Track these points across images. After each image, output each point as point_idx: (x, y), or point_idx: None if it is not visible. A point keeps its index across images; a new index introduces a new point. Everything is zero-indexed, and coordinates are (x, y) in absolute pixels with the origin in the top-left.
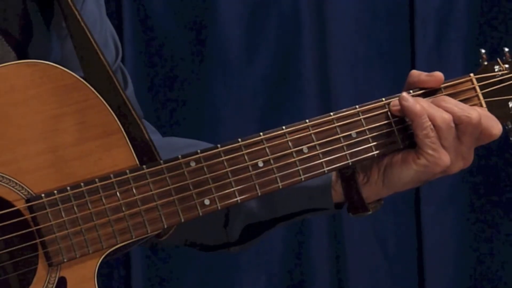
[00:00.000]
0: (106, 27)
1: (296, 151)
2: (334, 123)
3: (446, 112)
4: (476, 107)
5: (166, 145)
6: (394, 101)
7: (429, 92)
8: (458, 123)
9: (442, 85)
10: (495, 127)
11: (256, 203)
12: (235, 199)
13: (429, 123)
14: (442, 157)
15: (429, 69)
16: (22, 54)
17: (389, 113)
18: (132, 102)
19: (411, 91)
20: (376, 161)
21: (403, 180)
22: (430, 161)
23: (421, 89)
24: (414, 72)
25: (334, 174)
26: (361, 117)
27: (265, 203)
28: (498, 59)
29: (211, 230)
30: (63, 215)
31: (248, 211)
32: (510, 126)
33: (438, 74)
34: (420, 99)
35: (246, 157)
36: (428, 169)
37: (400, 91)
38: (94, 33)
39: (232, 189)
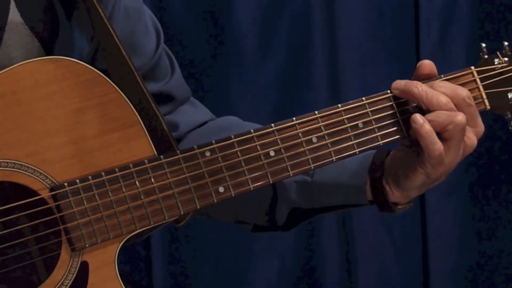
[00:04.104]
0: (145, 13)
1: (306, 141)
2: (341, 115)
3: (463, 115)
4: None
5: (229, 125)
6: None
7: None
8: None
9: (444, 78)
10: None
11: (295, 195)
12: (248, 187)
13: (437, 145)
14: (444, 168)
15: None
16: (49, 49)
17: (394, 104)
18: (179, 84)
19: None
20: (390, 174)
21: (414, 186)
22: (433, 172)
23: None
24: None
25: (368, 176)
26: (368, 108)
27: (305, 197)
28: (498, 53)
29: (262, 212)
30: (85, 203)
31: (290, 200)
32: (509, 116)
33: (423, 62)
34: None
35: (258, 147)
36: (433, 175)
37: None
38: (133, 24)
39: (245, 177)
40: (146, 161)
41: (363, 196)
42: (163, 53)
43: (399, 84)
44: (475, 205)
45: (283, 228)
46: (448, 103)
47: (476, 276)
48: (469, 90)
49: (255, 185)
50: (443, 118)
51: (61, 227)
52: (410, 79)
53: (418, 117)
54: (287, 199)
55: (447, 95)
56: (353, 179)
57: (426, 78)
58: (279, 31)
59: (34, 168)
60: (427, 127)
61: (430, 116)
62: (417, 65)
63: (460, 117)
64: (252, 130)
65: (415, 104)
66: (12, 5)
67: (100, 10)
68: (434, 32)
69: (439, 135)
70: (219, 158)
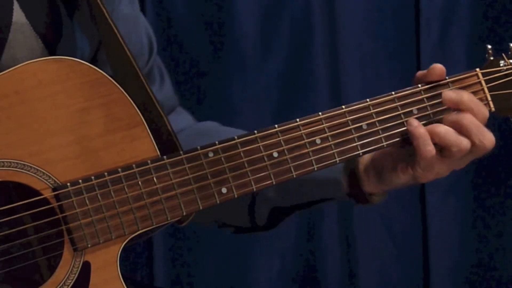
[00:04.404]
0: (140, 25)
1: (309, 142)
2: (345, 116)
3: (467, 140)
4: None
5: (207, 130)
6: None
7: (436, 86)
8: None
9: (449, 80)
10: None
11: (273, 193)
12: (251, 187)
13: (430, 147)
14: (432, 175)
15: None
16: (52, 50)
17: (398, 106)
18: (169, 94)
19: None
20: (372, 166)
21: (397, 183)
22: (422, 176)
23: (428, 83)
24: (419, 74)
25: (342, 167)
26: (372, 110)
27: (283, 194)
28: (503, 54)
29: (241, 214)
30: (88, 203)
31: (268, 199)
32: None
33: (435, 66)
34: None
35: (261, 148)
36: (420, 179)
37: (406, 86)
38: (128, 32)
39: (248, 178)
40: (149, 161)
41: (339, 189)
42: (154, 64)
43: (456, 96)
44: (475, 205)
45: (265, 228)
46: (470, 119)
47: (476, 276)
48: (474, 92)
49: (258, 186)
50: (451, 139)
51: (64, 227)
52: (410, 79)
53: (413, 119)
54: (266, 198)
55: (472, 111)
56: (329, 173)
57: (434, 82)
58: (279, 31)
59: (37, 168)
60: (422, 130)
61: (440, 129)
62: (430, 67)
63: (466, 144)
64: (255, 131)
65: (418, 106)
66: (16, 6)
67: (104, 10)
68: (434, 32)
69: (440, 149)
70: (222, 159)
